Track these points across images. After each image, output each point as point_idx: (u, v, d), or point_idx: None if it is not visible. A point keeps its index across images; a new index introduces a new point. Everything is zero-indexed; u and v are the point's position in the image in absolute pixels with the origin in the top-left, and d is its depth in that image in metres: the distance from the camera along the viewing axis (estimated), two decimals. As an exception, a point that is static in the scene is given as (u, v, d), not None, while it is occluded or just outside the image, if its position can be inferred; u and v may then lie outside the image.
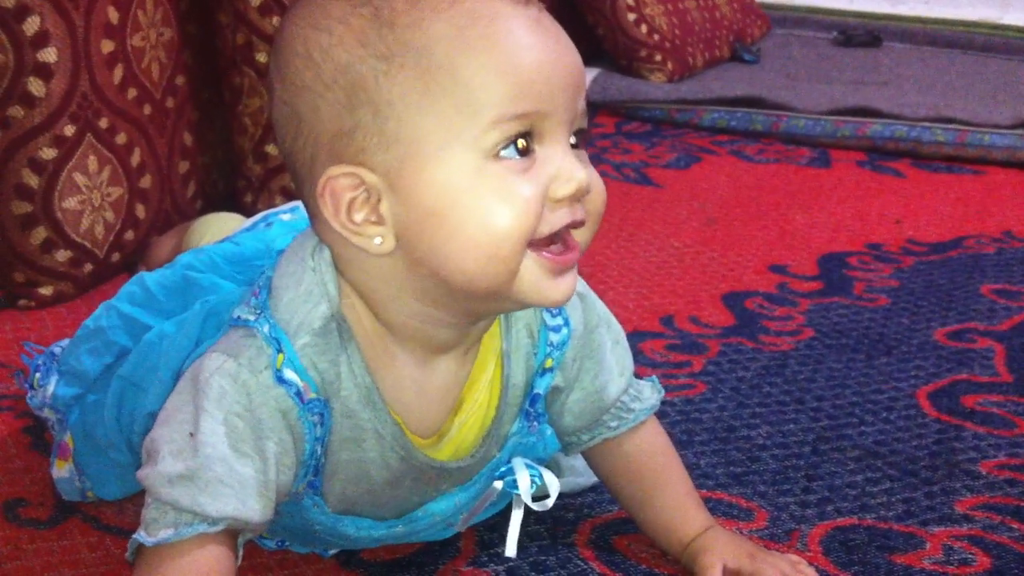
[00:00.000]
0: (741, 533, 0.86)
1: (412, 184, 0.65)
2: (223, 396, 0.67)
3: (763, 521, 0.89)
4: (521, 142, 0.65)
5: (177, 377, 0.77)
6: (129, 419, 0.82)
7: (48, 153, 1.22)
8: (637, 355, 0.84)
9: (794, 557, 0.81)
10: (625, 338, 0.82)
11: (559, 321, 0.77)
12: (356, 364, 0.70)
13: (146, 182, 1.34)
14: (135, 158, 1.32)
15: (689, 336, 1.23)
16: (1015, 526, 0.89)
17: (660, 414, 0.85)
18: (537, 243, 0.66)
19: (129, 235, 1.32)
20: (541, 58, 0.65)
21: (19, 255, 1.24)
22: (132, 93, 1.31)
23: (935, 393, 1.11)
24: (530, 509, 0.78)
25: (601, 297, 0.82)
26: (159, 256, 1.24)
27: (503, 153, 0.65)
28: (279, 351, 0.68)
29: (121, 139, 1.30)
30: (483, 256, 0.65)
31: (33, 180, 1.22)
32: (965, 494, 0.94)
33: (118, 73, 1.29)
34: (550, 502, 0.77)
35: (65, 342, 0.94)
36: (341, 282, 0.70)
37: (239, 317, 0.70)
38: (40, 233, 1.24)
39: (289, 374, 0.68)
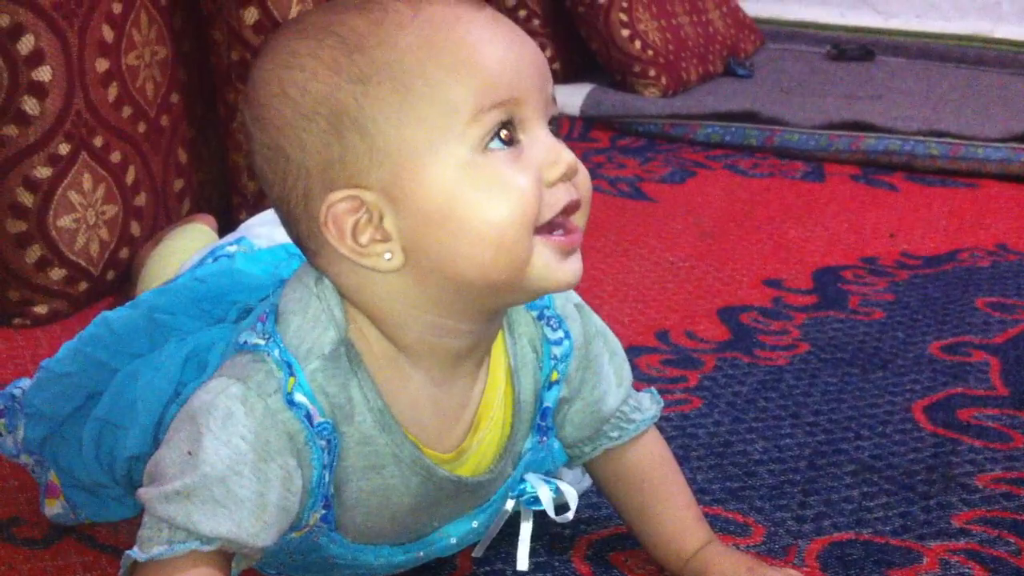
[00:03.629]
0: (738, 549, 0.86)
1: (410, 194, 0.66)
2: (229, 418, 0.67)
3: (760, 536, 0.89)
4: (504, 132, 0.67)
5: (158, 423, 0.78)
6: (109, 458, 0.81)
7: (43, 172, 1.22)
8: (633, 370, 0.84)
9: (792, 572, 0.81)
10: (622, 349, 0.83)
11: (560, 334, 0.78)
12: (368, 388, 0.70)
13: (141, 200, 1.34)
14: (130, 176, 1.32)
15: (684, 351, 1.23)
16: (1012, 540, 0.89)
17: (656, 429, 0.86)
18: (541, 230, 0.68)
19: (124, 253, 1.32)
20: (505, 50, 0.68)
21: (14, 273, 1.24)
22: (127, 111, 1.32)
23: (931, 407, 1.11)
24: (535, 522, 0.79)
25: (597, 311, 0.82)
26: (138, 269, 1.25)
27: (490, 146, 0.66)
28: (291, 375, 0.68)
29: (116, 157, 1.30)
30: (492, 248, 0.66)
31: (28, 199, 1.22)
32: (962, 508, 0.94)
33: (113, 91, 1.29)
34: (570, 514, 0.78)
35: (23, 382, 0.91)
36: (348, 308, 0.70)
37: (246, 342, 0.70)
38: (35, 251, 1.24)
39: (299, 397, 0.68)
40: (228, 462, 0.67)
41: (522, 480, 0.78)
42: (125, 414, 0.80)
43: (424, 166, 0.66)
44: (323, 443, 0.69)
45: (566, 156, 0.68)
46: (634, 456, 0.84)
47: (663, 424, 1.04)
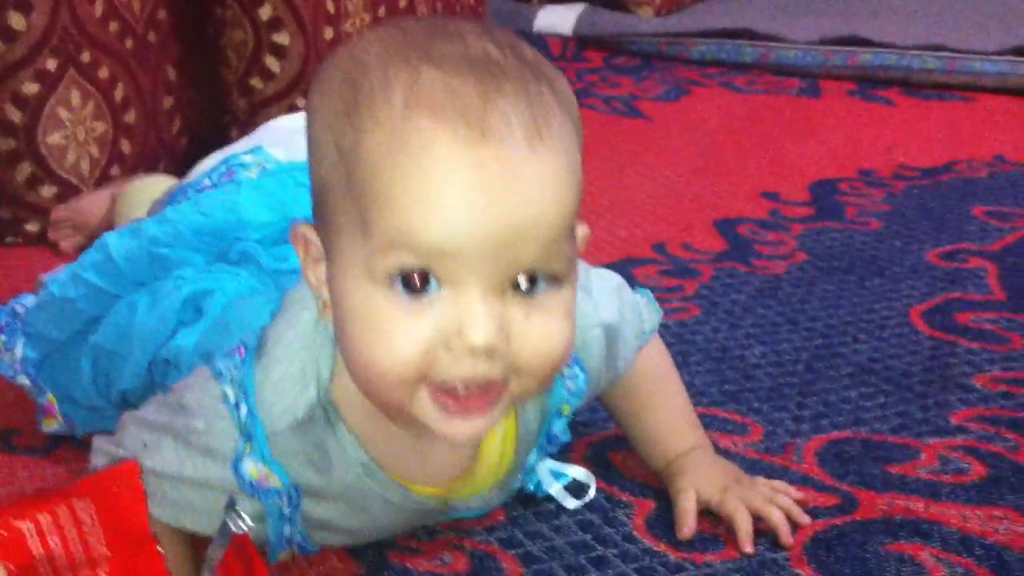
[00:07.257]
0: (736, 447, 0.86)
1: (333, 271, 0.62)
2: (184, 457, 0.67)
3: (758, 435, 0.89)
4: (410, 279, 0.59)
5: (152, 364, 0.78)
6: (105, 383, 0.82)
7: (30, 88, 1.21)
8: (629, 281, 0.83)
9: (779, 484, 0.80)
10: (629, 291, 0.81)
11: (575, 370, 0.74)
12: (348, 443, 0.68)
13: (130, 117, 1.33)
14: (119, 93, 1.31)
15: (681, 262, 1.22)
16: (1009, 436, 0.89)
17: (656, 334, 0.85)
18: (435, 383, 0.60)
19: (115, 171, 1.31)
20: (456, 225, 0.57)
21: (4, 192, 1.23)
22: (114, 27, 1.30)
23: (928, 311, 1.11)
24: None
25: (593, 226, 0.75)
26: (91, 211, 1.19)
27: (394, 286, 0.59)
28: (248, 439, 0.66)
29: (104, 73, 1.28)
30: (371, 378, 0.61)
31: (16, 115, 1.21)
32: (959, 407, 0.94)
33: (99, 6, 1.27)
34: (590, 495, 0.80)
35: (26, 298, 0.90)
36: (336, 354, 0.66)
37: (220, 372, 0.67)
38: (25, 169, 1.23)
39: (248, 465, 0.66)
40: (172, 474, 0.67)
41: (532, 471, 0.78)
42: (121, 343, 0.80)
43: (342, 261, 0.61)
44: (280, 500, 0.68)
45: (471, 336, 0.58)
46: (633, 367, 0.82)
47: (661, 332, 1.04)
